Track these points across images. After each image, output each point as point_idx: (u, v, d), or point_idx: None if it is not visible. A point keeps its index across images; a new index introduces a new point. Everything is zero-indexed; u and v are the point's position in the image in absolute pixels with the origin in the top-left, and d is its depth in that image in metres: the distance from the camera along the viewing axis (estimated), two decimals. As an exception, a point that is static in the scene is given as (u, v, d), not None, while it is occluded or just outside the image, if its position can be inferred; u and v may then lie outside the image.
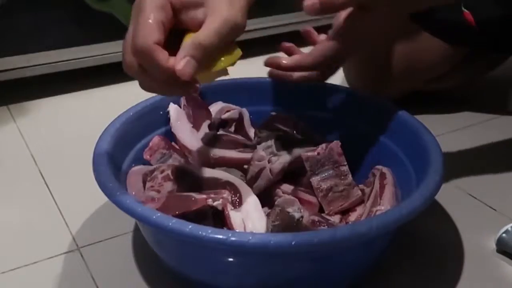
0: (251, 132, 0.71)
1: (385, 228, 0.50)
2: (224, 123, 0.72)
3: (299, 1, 0.60)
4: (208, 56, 0.49)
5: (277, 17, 1.19)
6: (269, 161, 0.62)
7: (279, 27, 1.20)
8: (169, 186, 0.59)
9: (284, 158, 0.62)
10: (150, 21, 0.48)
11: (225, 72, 0.52)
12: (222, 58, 0.51)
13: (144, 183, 0.61)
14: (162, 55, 0.47)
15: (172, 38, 0.50)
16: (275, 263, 0.51)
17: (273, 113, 0.71)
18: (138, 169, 0.63)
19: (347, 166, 0.62)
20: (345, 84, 0.93)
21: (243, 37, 0.56)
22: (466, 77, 0.95)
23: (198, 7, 0.50)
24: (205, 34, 0.48)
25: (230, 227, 0.55)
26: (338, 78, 0.94)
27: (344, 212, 0.63)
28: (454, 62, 0.90)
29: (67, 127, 0.92)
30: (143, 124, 0.67)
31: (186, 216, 0.53)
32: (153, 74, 0.49)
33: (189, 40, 0.48)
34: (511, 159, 0.82)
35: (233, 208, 0.56)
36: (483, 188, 0.75)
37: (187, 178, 0.60)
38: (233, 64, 0.51)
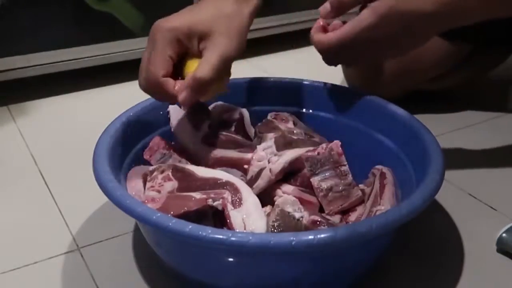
0: (251, 132, 0.71)
1: (385, 228, 0.50)
2: (224, 123, 0.72)
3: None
4: (205, 87, 0.58)
5: (277, 17, 1.19)
6: (269, 161, 0.62)
7: (280, 27, 1.20)
8: (169, 186, 0.59)
9: (284, 158, 0.62)
10: (160, 57, 0.58)
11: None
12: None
13: (144, 183, 0.61)
14: (167, 86, 0.58)
15: (179, 61, 0.60)
16: (275, 263, 0.51)
17: (273, 113, 0.71)
18: (138, 169, 0.63)
19: (347, 166, 0.62)
20: (345, 84, 0.93)
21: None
22: (466, 77, 0.95)
23: (201, 39, 0.59)
24: (204, 70, 0.57)
25: (230, 227, 0.55)
26: (338, 78, 0.94)
27: (344, 212, 0.63)
28: (454, 61, 0.90)
29: (67, 127, 0.92)
30: (143, 124, 0.67)
31: (186, 216, 0.53)
32: (162, 98, 0.60)
33: (190, 75, 0.58)
34: (511, 159, 0.82)
35: (233, 208, 0.56)
36: (483, 188, 0.75)
37: (187, 178, 0.60)
38: (222, 89, 0.61)
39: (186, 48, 0.59)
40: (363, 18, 0.62)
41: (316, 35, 0.66)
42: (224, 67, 0.58)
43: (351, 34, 0.63)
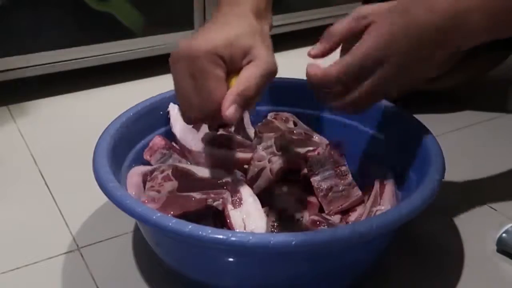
0: (251, 132, 0.71)
1: (385, 228, 0.50)
2: (224, 123, 0.72)
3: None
4: (251, 101, 0.54)
5: (277, 17, 1.19)
6: (269, 161, 0.62)
7: (279, 27, 1.20)
8: (169, 186, 0.59)
9: (284, 158, 0.62)
10: (216, 81, 0.53)
11: None
12: None
13: (144, 183, 0.61)
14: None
15: None
16: (275, 263, 0.51)
17: (273, 113, 0.71)
18: (138, 169, 0.63)
19: (347, 166, 0.62)
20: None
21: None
22: (466, 77, 0.95)
23: (244, 55, 0.54)
24: (248, 86, 0.53)
25: (230, 227, 0.55)
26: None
27: (344, 212, 0.63)
28: (454, 61, 0.90)
29: (67, 127, 0.92)
30: (143, 124, 0.67)
31: (186, 216, 0.53)
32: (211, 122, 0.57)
33: (232, 91, 0.53)
34: (511, 159, 0.82)
35: (233, 208, 0.56)
36: (483, 188, 0.75)
37: (187, 178, 0.60)
38: None
39: (228, 65, 0.54)
40: (365, 40, 0.54)
41: (311, 68, 0.56)
42: (266, 83, 0.54)
43: (354, 63, 0.54)
